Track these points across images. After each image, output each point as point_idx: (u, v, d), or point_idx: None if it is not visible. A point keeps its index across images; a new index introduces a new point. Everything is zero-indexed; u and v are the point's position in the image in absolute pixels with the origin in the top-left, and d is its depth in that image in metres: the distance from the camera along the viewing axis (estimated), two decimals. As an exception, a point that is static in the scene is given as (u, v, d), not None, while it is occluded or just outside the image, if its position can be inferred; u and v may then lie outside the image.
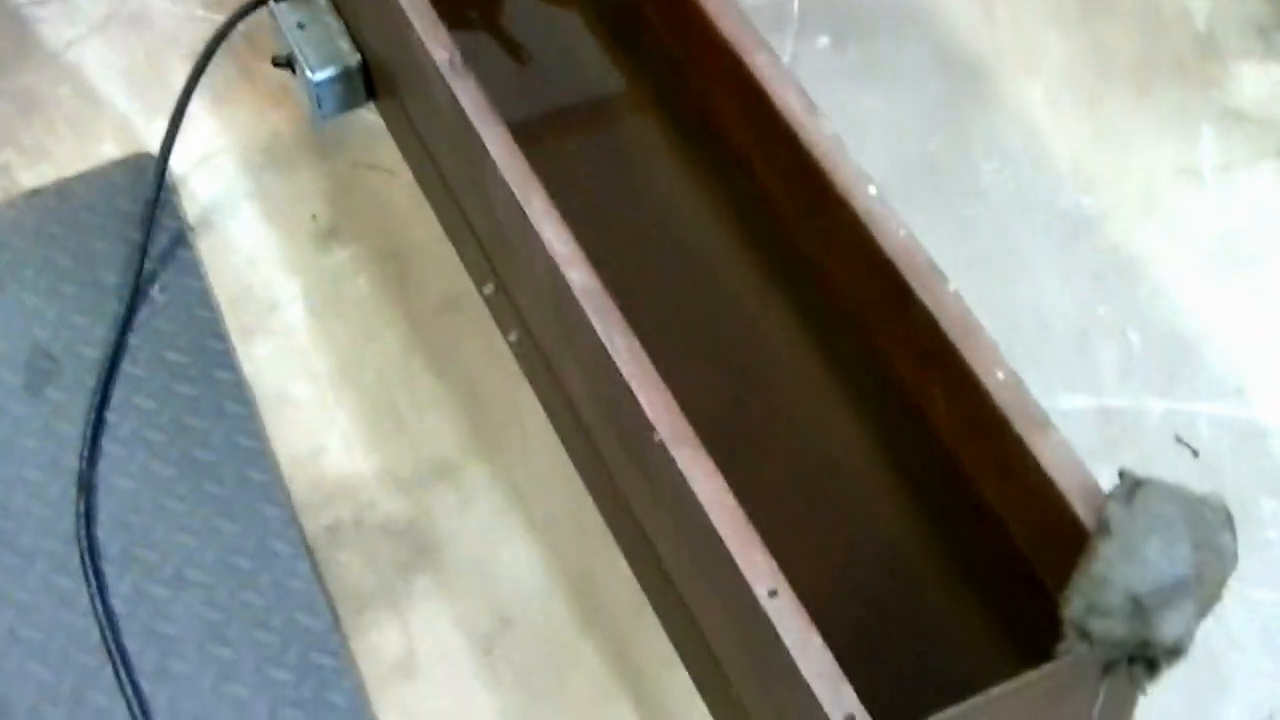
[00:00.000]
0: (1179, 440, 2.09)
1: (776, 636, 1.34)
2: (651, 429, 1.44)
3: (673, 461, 1.43)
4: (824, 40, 2.48)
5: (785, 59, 2.42)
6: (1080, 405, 2.12)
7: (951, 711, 1.30)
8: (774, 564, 1.37)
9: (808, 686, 1.31)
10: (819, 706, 1.30)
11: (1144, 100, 2.41)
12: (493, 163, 1.62)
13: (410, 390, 2.16)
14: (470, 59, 1.72)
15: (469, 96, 1.67)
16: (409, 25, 1.73)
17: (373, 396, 2.16)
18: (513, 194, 1.60)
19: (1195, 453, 2.08)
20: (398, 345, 2.20)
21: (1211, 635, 1.93)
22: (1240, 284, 2.24)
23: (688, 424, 1.44)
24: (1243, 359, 2.16)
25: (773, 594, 1.36)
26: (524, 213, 1.58)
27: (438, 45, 1.71)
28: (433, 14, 1.74)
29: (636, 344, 1.49)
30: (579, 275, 1.53)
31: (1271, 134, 2.36)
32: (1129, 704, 1.44)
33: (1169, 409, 2.12)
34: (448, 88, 1.69)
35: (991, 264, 2.24)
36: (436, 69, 1.70)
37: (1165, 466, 2.06)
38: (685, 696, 1.79)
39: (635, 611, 1.88)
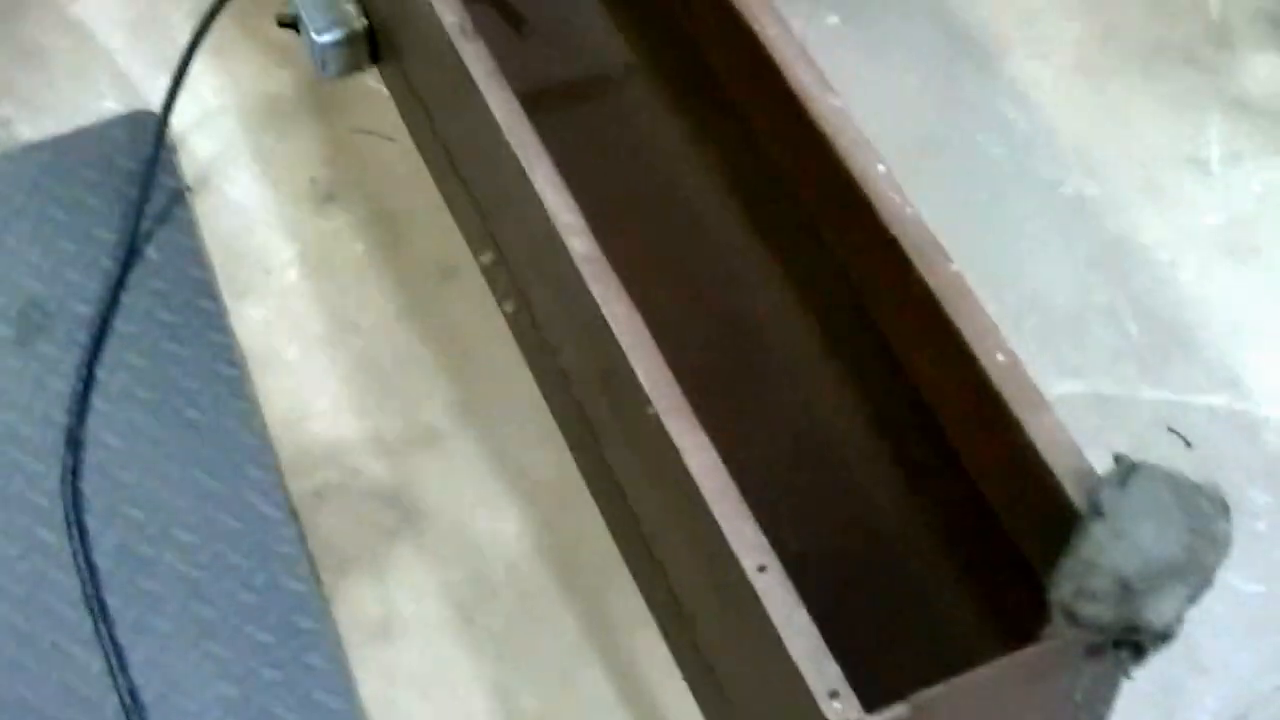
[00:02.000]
0: (1171, 430, 2.08)
1: (763, 612, 1.33)
2: (646, 400, 1.43)
3: (666, 433, 1.42)
4: (834, 19, 2.46)
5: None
6: (1073, 390, 2.11)
7: (932, 691, 1.29)
8: (764, 539, 1.36)
9: (793, 662, 1.30)
10: (803, 682, 1.29)
11: (1153, 85, 2.40)
12: (499, 129, 1.61)
13: (402, 356, 2.15)
14: (479, 26, 1.71)
15: (477, 62, 1.65)
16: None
17: (364, 361, 2.15)
18: (518, 161, 1.58)
19: (1188, 443, 2.07)
20: (392, 311, 2.19)
21: (1195, 624, 1.92)
22: (1241, 275, 2.22)
23: (683, 396, 1.43)
24: (1240, 350, 2.15)
25: (761, 569, 1.35)
26: (528, 180, 1.57)
27: (447, 9, 1.69)
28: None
29: (635, 314, 1.48)
30: (580, 243, 1.52)
31: (1280, 126, 2.35)
32: (1112, 688, 1.43)
33: (1163, 398, 2.11)
34: (456, 53, 1.67)
35: (990, 244, 2.23)
36: (445, 33, 1.68)
37: (1157, 456, 2.02)
38: (662, 665, 1.79)
39: (617, 582, 1.87)
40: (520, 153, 1.58)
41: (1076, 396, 2.11)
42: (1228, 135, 2.35)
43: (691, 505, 1.41)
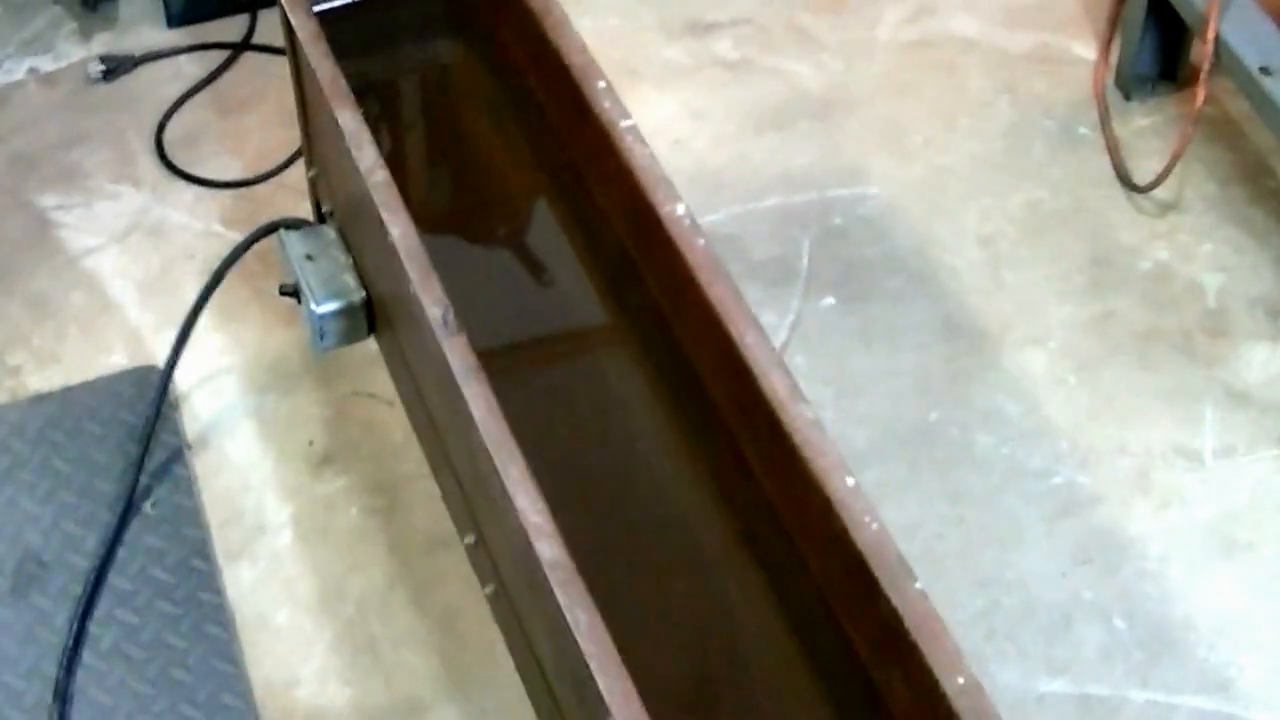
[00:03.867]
0: (1156, 735, 2.07)
1: None
2: (607, 712, 1.44)
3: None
4: (829, 300, 2.49)
5: (790, 317, 2.46)
6: (1060, 690, 2.10)
7: None
8: None
9: None
10: None
11: (1147, 376, 2.41)
12: (475, 425, 1.63)
13: (389, 625, 2.16)
14: (466, 310, 1.74)
15: (457, 356, 1.68)
16: (405, 276, 1.75)
17: (352, 629, 2.16)
18: (491, 459, 1.61)
19: (1172, 750, 2.06)
20: (381, 579, 2.20)
21: None
22: (1233, 572, 2.22)
23: (643, 711, 1.43)
24: (1230, 650, 2.14)
25: None
26: (501, 479, 1.59)
27: (431, 301, 1.73)
28: (428, 266, 1.75)
29: (599, 622, 1.49)
30: (548, 549, 1.54)
31: (1275, 420, 2.36)
32: None
33: (1150, 699, 2.09)
34: (438, 343, 1.70)
35: (981, 536, 2.24)
36: (429, 323, 1.71)
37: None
38: None
39: None
40: (494, 452, 1.60)
41: (1063, 696, 2.10)
42: (1222, 427, 2.36)
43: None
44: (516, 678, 1.97)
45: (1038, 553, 2.23)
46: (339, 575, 2.21)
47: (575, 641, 1.48)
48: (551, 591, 1.52)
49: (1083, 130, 2.73)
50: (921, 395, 2.40)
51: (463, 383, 1.66)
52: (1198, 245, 2.56)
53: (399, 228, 1.78)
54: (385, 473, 2.30)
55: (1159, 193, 2.60)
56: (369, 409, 2.36)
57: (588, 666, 1.46)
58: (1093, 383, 2.42)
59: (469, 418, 1.65)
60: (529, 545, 1.55)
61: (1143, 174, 2.62)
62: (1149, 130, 2.72)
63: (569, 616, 1.50)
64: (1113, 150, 2.66)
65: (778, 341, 2.42)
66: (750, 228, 2.60)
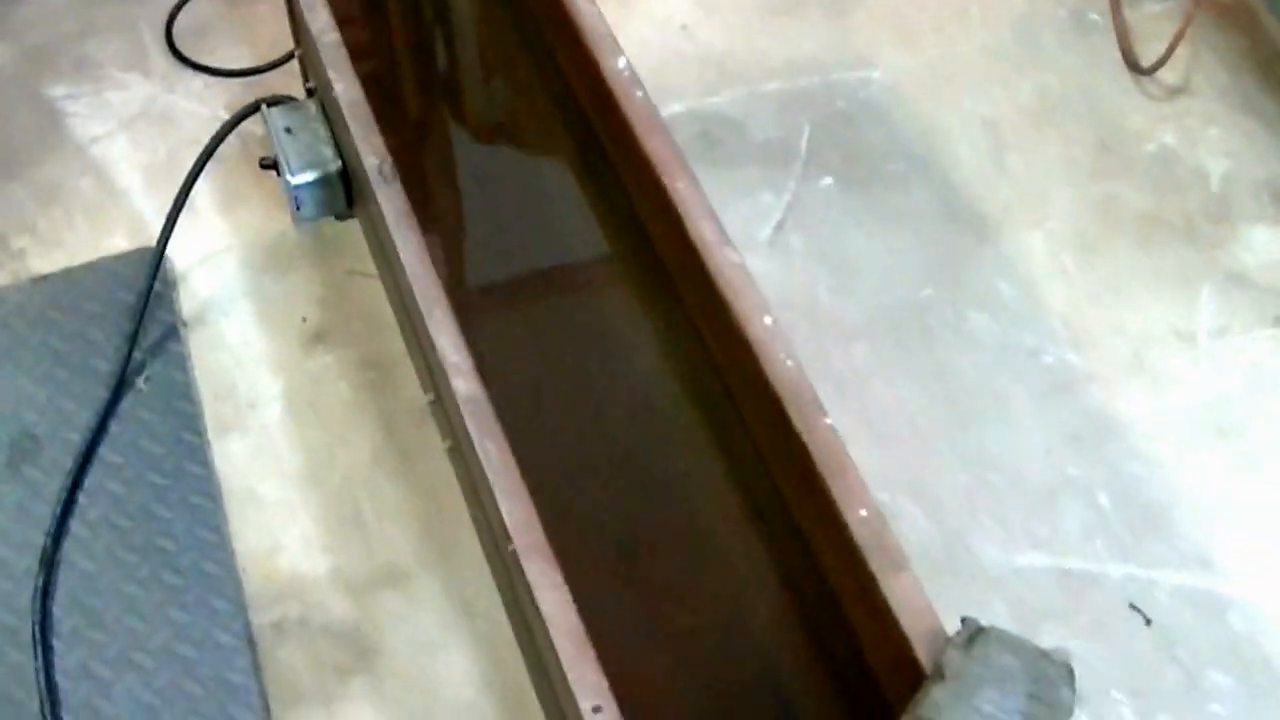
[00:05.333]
0: (1133, 607, 2.04)
1: (596, 753, 1.33)
2: (508, 538, 1.45)
3: (523, 572, 1.43)
4: (828, 181, 2.48)
5: (787, 197, 2.45)
6: (1040, 564, 2.09)
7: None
8: (604, 681, 1.37)
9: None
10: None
11: (1146, 257, 2.38)
12: (404, 270, 1.65)
13: (374, 496, 2.18)
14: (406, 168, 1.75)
15: (390, 202, 1.69)
16: (347, 129, 1.77)
17: (337, 500, 2.18)
18: (418, 302, 1.62)
19: (1148, 621, 2.03)
20: (368, 451, 2.22)
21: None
22: (1221, 452, 2.19)
23: (543, 536, 1.45)
24: (1214, 529, 2.11)
25: (596, 710, 1.35)
26: (424, 320, 1.60)
27: (370, 151, 1.74)
28: (371, 121, 1.77)
29: (509, 453, 1.50)
30: (464, 384, 1.55)
31: (1273, 301, 2.32)
32: None
33: (1129, 574, 2.08)
34: (374, 194, 1.72)
35: (969, 412, 2.22)
36: (366, 174, 1.72)
37: (1118, 632, 2.03)
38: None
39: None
40: (419, 294, 1.62)
41: (1041, 570, 2.08)
42: (1218, 309, 2.33)
43: (545, 643, 1.42)
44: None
45: (1026, 430, 2.21)
46: (327, 448, 2.23)
47: (484, 473, 1.49)
48: (465, 426, 1.53)
49: (1094, 16, 2.69)
50: (917, 275, 2.38)
51: (394, 229, 1.67)
52: (1204, 130, 2.52)
53: (343, 84, 1.80)
54: (376, 349, 2.32)
55: (1168, 78, 2.56)
56: (363, 287, 2.38)
57: (492, 495, 1.47)
58: (1090, 265, 2.39)
59: (400, 264, 1.66)
60: (447, 382, 1.56)
61: (1151, 59, 2.58)
62: (1160, 15, 2.68)
63: (479, 449, 1.51)
64: (1122, 35, 2.63)
65: (773, 220, 2.42)
66: (752, 110, 2.58)
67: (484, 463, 1.49)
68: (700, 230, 1.66)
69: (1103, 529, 2.12)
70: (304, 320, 2.35)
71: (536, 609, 1.40)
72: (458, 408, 1.54)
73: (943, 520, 2.10)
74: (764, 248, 2.38)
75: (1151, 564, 2.08)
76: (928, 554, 2.06)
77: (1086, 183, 2.47)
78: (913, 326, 2.32)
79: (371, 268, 2.35)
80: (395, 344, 2.29)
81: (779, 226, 2.41)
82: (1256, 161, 2.47)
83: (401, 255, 1.65)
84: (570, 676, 1.36)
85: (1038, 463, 2.18)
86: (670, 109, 2.54)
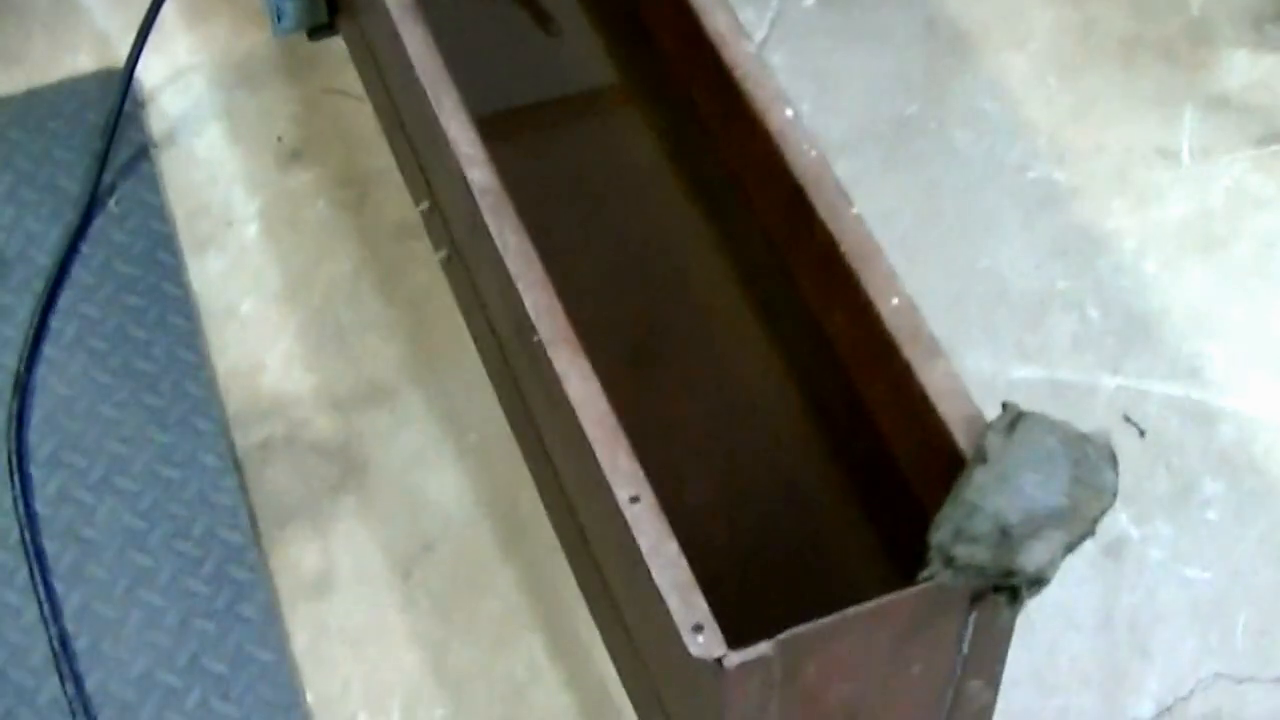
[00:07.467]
0: (1126, 419, 2.05)
1: (634, 542, 1.31)
2: (532, 328, 1.42)
3: (550, 361, 1.40)
4: (810, 0, 2.45)
5: (769, 14, 2.41)
6: (1031, 376, 2.09)
7: (799, 630, 1.26)
8: (639, 469, 1.34)
9: (660, 594, 1.28)
10: (669, 615, 1.27)
11: (1129, 78, 2.37)
12: (409, 62, 1.61)
13: (356, 312, 2.14)
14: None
15: (394, -1, 1.65)
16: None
17: (318, 317, 2.15)
18: (425, 93, 1.58)
19: (1142, 432, 2.04)
20: (349, 268, 2.18)
21: (1139, 608, 1.91)
22: (1206, 266, 2.20)
23: (568, 324, 1.42)
24: (1202, 341, 2.12)
25: (634, 499, 1.33)
26: (434, 110, 1.56)
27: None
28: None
29: (528, 243, 1.47)
30: (479, 174, 1.51)
31: (1254, 122, 2.32)
32: (1002, 644, 1.40)
33: (1120, 385, 2.08)
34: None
35: (956, 227, 2.21)
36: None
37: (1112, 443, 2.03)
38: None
39: (555, 543, 1.86)
40: (428, 85, 1.58)
41: (1034, 381, 2.08)
42: (1200, 129, 2.32)
43: (575, 435, 1.39)
44: (480, 360, 1.96)
45: (1013, 244, 2.21)
46: (306, 265, 2.19)
47: (503, 264, 1.46)
48: (481, 217, 1.49)
49: None
50: (900, 92, 2.36)
51: (398, 22, 1.63)
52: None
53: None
54: (354, 167, 2.27)
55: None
56: (339, 105, 2.33)
57: (513, 285, 1.44)
58: (1073, 84, 2.38)
59: (405, 58, 1.62)
60: (460, 174, 1.52)
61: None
62: None
63: (498, 240, 1.48)
64: None
65: (757, 37, 2.39)
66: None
67: (503, 254, 1.45)
68: (715, 22, 1.62)
69: (1093, 341, 2.12)
70: (279, 139, 2.30)
71: (566, 400, 1.38)
72: (472, 201, 1.50)
73: (935, 334, 2.08)
74: (745, 66, 2.35)
75: (1142, 375, 2.09)
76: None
77: (1067, 6, 2.46)
78: (897, 143, 2.30)
79: (348, 87, 2.31)
80: (375, 161, 2.25)
81: (762, 44, 2.38)
82: (1235, -14, 2.47)
83: (408, 47, 1.60)
84: (605, 466, 1.34)
85: (1027, 276, 2.17)
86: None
